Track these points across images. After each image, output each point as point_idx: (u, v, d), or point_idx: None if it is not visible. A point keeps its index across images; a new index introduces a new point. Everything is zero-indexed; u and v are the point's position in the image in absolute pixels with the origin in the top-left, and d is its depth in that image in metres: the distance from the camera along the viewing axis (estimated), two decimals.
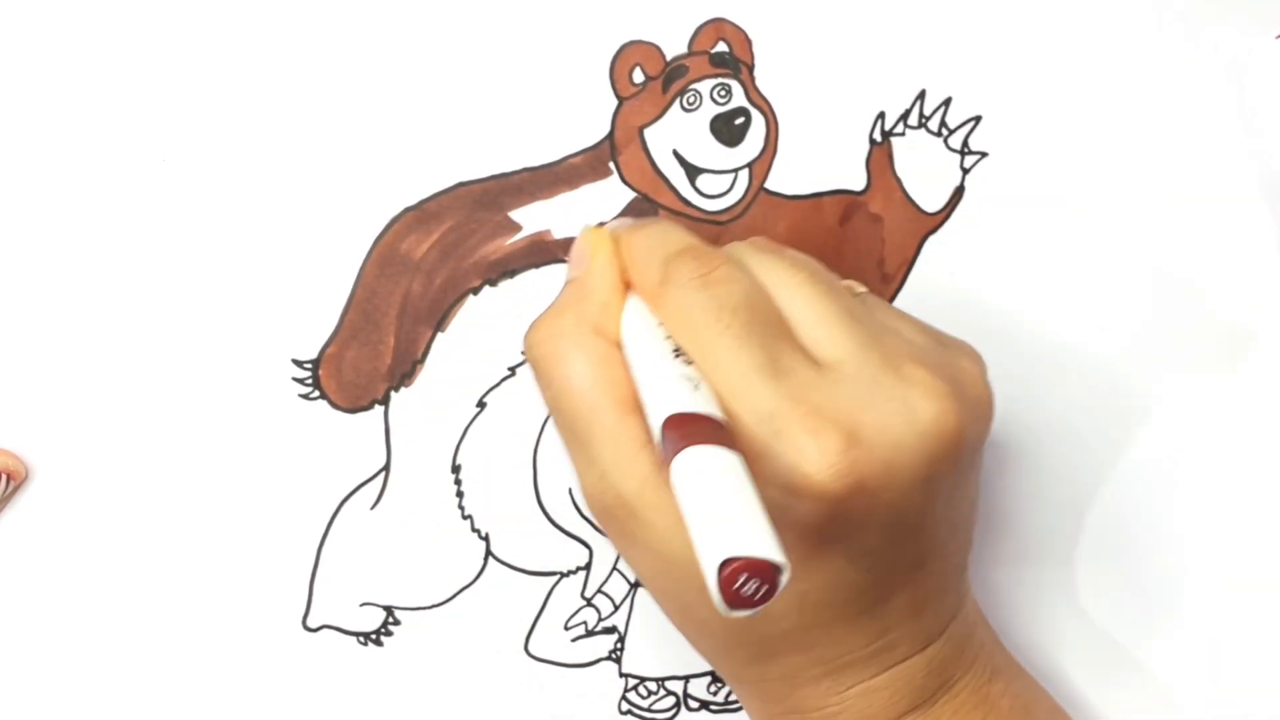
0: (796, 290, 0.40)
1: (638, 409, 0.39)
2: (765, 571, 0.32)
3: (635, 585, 0.51)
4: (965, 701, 0.44)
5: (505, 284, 0.49)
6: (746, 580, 0.32)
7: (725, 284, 0.39)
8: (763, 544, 0.32)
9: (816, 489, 0.37)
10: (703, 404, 0.37)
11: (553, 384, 0.41)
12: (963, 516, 0.43)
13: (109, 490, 0.48)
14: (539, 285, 0.49)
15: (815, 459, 0.37)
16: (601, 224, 0.45)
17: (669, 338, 0.39)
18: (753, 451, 0.37)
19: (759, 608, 0.32)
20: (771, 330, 0.39)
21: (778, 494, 0.37)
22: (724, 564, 0.32)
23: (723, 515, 0.33)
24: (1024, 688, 0.47)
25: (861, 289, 0.43)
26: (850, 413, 0.37)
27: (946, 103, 0.50)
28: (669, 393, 0.37)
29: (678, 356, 0.39)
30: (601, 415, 0.40)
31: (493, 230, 0.48)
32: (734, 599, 0.32)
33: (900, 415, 0.38)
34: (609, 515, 0.41)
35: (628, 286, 0.42)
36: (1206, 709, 0.53)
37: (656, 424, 0.36)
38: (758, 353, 0.38)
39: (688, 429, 0.35)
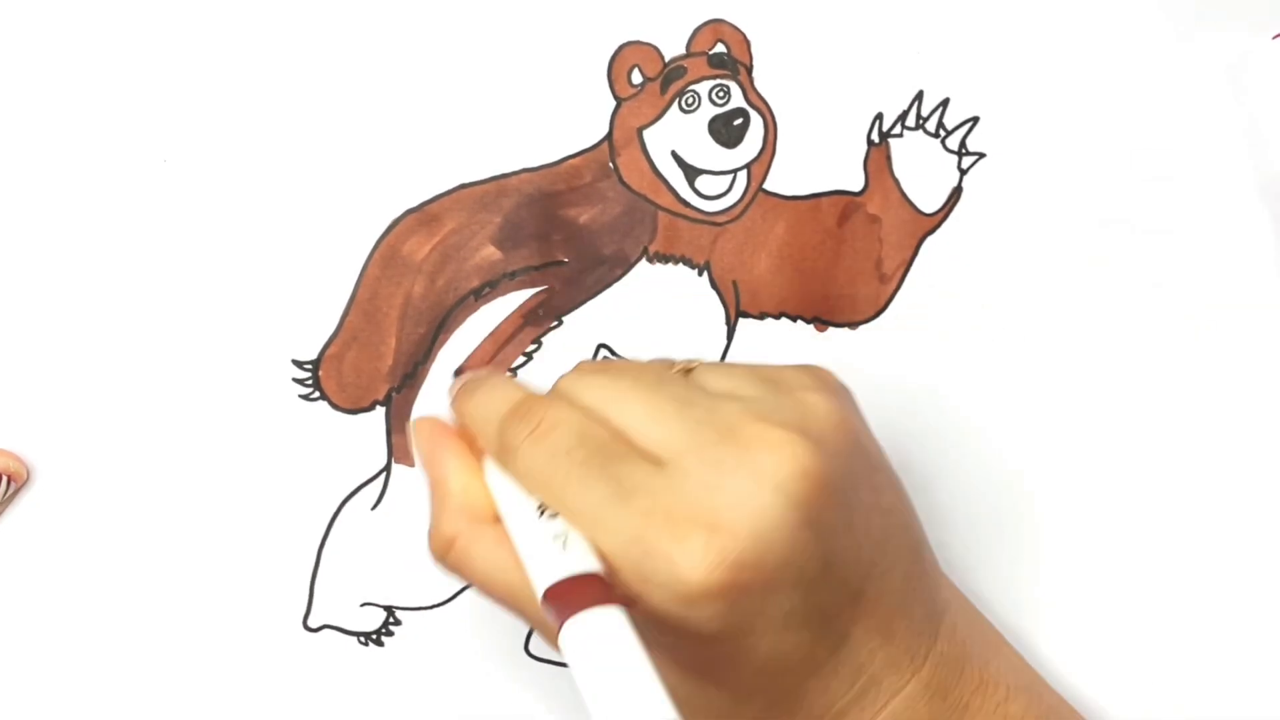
0: (623, 400, 0.40)
1: None
2: None
3: None
4: None
5: (506, 285, 0.49)
6: None
7: (555, 430, 0.40)
8: (651, 709, 0.34)
9: (699, 590, 0.37)
10: (574, 562, 0.38)
11: (471, 584, 0.42)
12: (882, 531, 0.42)
13: (110, 492, 0.48)
14: (540, 286, 0.49)
15: (685, 564, 0.37)
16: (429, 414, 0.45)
17: (531, 495, 0.40)
18: (632, 578, 0.38)
19: None
20: (610, 455, 0.39)
21: (671, 606, 0.38)
22: None
23: (610, 688, 0.35)
24: (1049, 709, 0.46)
25: (692, 363, 0.44)
26: (702, 503, 0.38)
27: (944, 104, 0.50)
28: (540, 560, 0.38)
29: (542, 514, 0.40)
30: (522, 597, 0.40)
31: (493, 231, 0.49)
32: None
33: (751, 481, 0.38)
34: None
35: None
36: (1210, 710, 0.53)
37: (539, 597, 0.38)
38: (602, 484, 0.39)
39: (564, 598, 0.37)
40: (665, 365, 0.43)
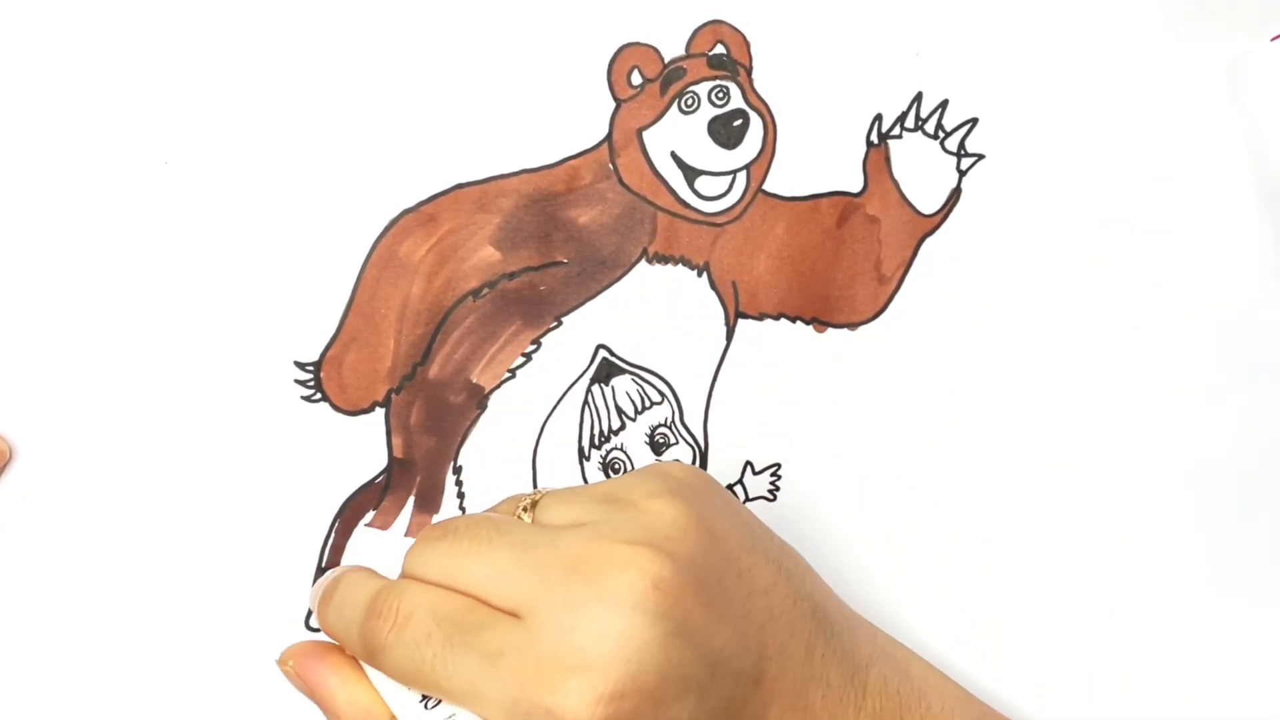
0: (468, 564, 0.40)
1: None
2: None
3: None
4: None
5: (505, 285, 0.49)
6: None
7: (410, 620, 0.40)
8: None
9: None
10: None
11: None
12: (765, 611, 0.41)
13: (111, 492, 0.48)
14: (538, 286, 0.49)
15: (567, 713, 0.37)
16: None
17: (409, 689, 0.41)
18: None
19: None
20: (468, 627, 0.39)
21: None
22: None
23: None
24: None
25: (538, 494, 0.43)
26: (566, 646, 0.38)
27: (943, 105, 0.50)
28: None
29: (424, 702, 0.40)
30: None
31: (492, 232, 0.49)
32: None
33: (607, 609, 0.38)
34: None
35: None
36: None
37: None
38: (469, 658, 0.39)
39: None
40: (512, 505, 0.43)
